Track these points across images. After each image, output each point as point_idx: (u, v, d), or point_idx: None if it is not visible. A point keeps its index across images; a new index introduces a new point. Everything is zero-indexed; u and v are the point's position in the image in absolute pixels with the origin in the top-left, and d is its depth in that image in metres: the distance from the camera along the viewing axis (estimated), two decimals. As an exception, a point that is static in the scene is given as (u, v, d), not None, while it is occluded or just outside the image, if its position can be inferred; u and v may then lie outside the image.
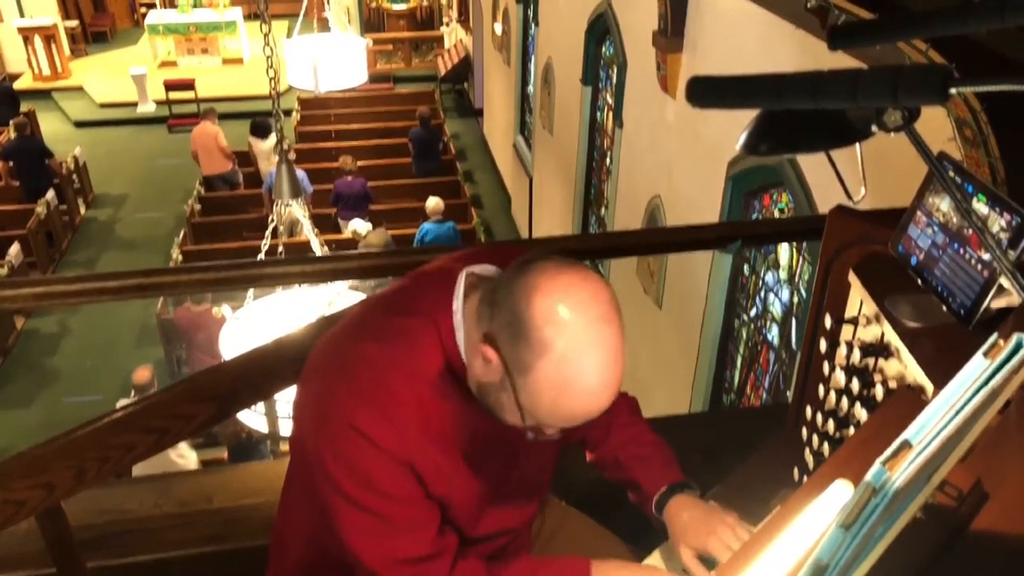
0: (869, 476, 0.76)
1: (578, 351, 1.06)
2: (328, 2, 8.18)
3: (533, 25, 9.88)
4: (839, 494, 1.03)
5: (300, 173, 6.33)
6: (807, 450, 1.53)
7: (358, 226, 8.95)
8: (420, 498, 1.24)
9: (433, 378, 1.21)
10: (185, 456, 5.54)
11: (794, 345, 4.50)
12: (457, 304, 1.22)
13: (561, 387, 1.08)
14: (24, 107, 12.91)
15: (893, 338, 1.30)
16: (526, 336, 1.08)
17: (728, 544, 1.34)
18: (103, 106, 14.58)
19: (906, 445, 0.78)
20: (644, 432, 1.56)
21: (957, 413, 0.83)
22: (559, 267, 1.10)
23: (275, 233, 4.36)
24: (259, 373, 1.71)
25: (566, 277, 1.09)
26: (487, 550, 1.42)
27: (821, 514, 1.04)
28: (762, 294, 4.90)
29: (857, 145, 0.94)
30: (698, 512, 1.40)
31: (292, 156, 7.20)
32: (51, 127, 13.30)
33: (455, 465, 1.27)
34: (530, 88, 10.55)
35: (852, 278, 1.42)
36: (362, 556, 1.25)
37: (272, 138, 9.69)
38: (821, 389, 1.48)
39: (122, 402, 6.14)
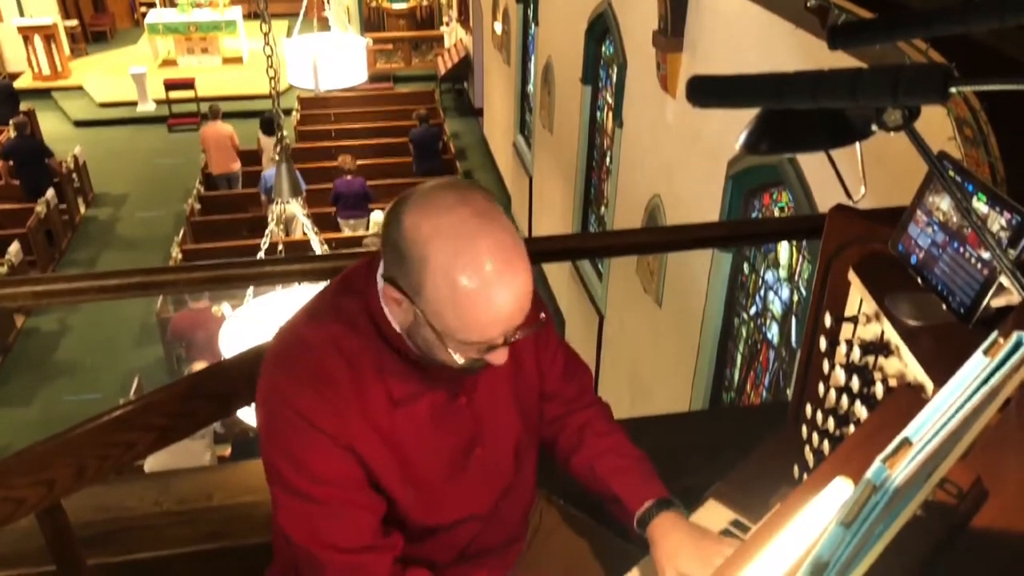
0: (869, 474, 0.76)
1: (456, 251, 1.06)
2: (328, 1, 8.18)
3: (533, 24, 9.88)
4: (839, 492, 1.03)
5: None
6: (807, 448, 1.53)
7: (378, 218, 8.93)
8: (359, 483, 1.23)
9: (370, 353, 1.21)
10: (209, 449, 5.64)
11: (794, 343, 4.51)
12: (379, 273, 1.22)
13: (455, 293, 1.07)
14: (24, 106, 12.90)
15: (893, 336, 1.30)
16: (407, 256, 1.08)
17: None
18: (103, 105, 14.58)
19: (906, 443, 0.79)
20: (622, 442, 1.49)
21: (957, 411, 0.83)
22: (425, 186, 1.12)
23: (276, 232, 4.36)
24: (258, 371, 1.71)
25: (430, 192, 1.11)
26: (455, 540, 1.39)
27: (821, 512, 1.04)
28: (762, 292, 4.91)
29: (857, 144, 0.94)
30: (686, 535, 1.35)
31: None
32: (51, 126, 13.30)
33: (407, 443, 1.25)
34: (530, 87, 10.55)
35: (852, 277, 1.42)
36: (298, 541, 1.24)
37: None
38: (821, 387, 1.48)
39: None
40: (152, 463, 4.99)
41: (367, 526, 1.24)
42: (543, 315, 1.19)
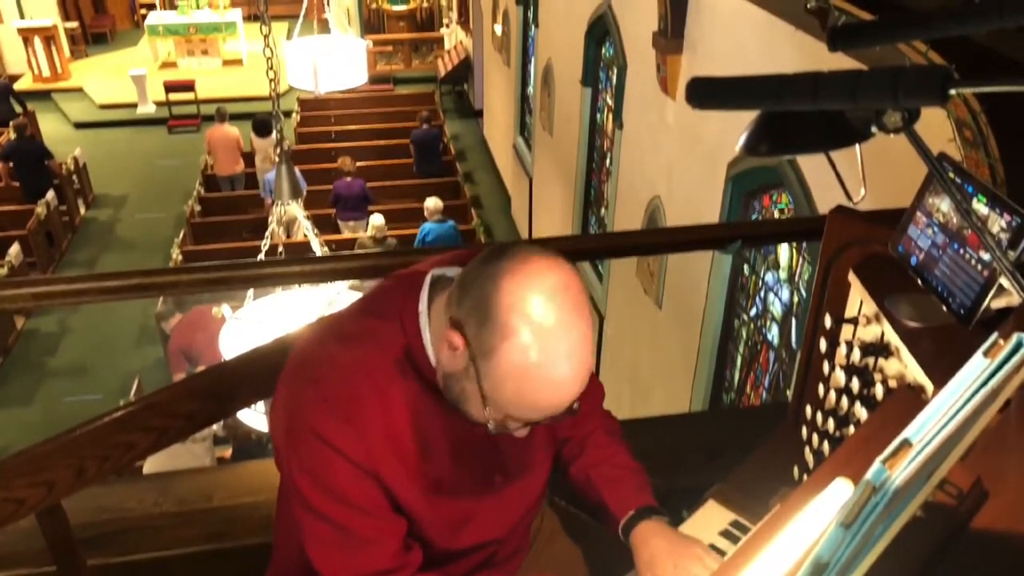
0: (869, 475, 0.76)
1: (544, 337, 1.04)
2: (328, 3, 8.18)
3: (533, 26, 9.88)
4: (839, 493, 1.03)
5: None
6: (807, 449, 1.53)
7: (377, 221, 8.90)
8: (385, 510, 1.22)
9: (400, 379, 1.19)
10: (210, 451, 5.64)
11: (794, 344, 4.51)
12: (423, 304, 1.20)
13: (524, 374, 1.05)
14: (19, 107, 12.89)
15: (893, 337, 1.30)
16: (492, 319, 1.05)
17: None
18: (103, 107, 14.57)
19: (906, 444, 0.79)
20: (619, 454, 1.48)
21: (957, 412, 0.83)
22: (530, 253, 1.09)
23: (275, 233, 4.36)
24: (259, 373, 1.71)
25: (537, 263, 1.07)
26: (473, 562, 1.38)
27: (821, 512, 1.04)
28: (762, 294, 4.91)
29: (857, 146, 0.94)
30: (665, 541, 1.33)
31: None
32: (51, 128, 13.30)
33: (429, 470, 1.24)
34: (530, 89, 10.55)
35: (852, 278, 1.42)
36: (320, 567, 1.23)
37: (272, 137, 9.68)
38: (821, 388, 1.48)
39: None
40: (151, 465, 4.98)
41: (388, 550, 1.23)
42: (575, 405, 1.15)
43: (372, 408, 1.18)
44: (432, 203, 8.90)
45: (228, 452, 6.53)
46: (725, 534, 1.47)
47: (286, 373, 1.24)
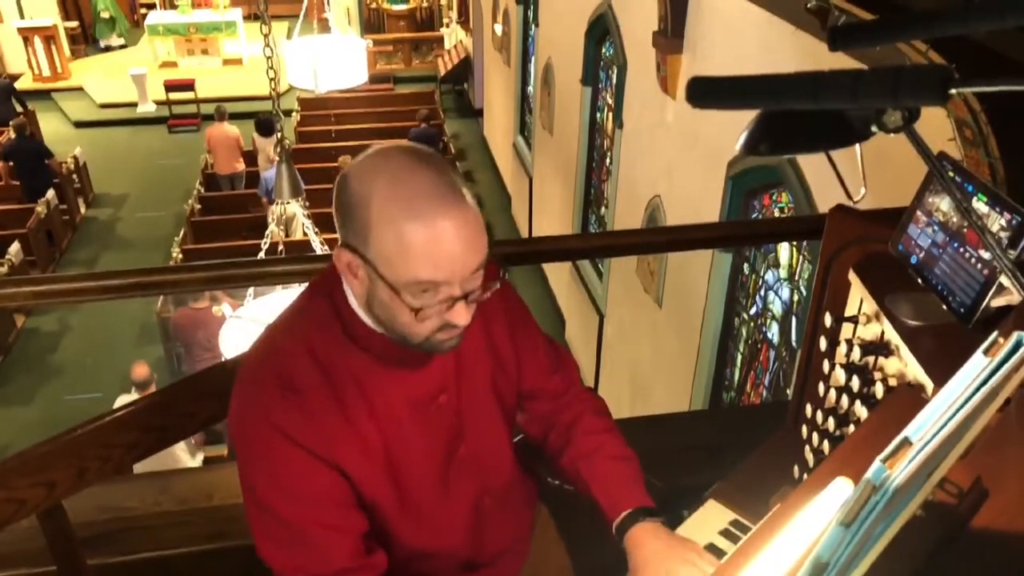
0: (869, 474, 0.76)
1: (395, 184, 1.08)
2: (328, 3, 8.17)
3: (533, 26, 9.88)
4: (839, 492, 1.03)
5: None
6: (807, 448, 1.53)
7: None
8: (338, 501, 1.21)
9: (343, 356, 1.20)
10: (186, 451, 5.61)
11: (794, 343, 4.51)
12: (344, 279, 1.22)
13: (397, 223, 1.08)
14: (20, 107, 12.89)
15: (893, 336, 1.30)
16: (353, 206, 1.11)
17: None
18: (103, 106, 14.57)
19: (906, 443, 0.79)
20: (608, 443, 1.43)
21: (957, 411, 0.83)
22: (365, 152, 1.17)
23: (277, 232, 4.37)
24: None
25: (370, 151, 1.15)
26: (452, 546, 1.37)
27: (821, 512, 1.04)
28: (762, 292, 4.91)
29: (857, 145, 0.94)
30: (660, 545, 1.30)
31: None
32: (51, 127, 13.29)
33: (389, 447, 1.23)
34: (530, 88, 10.55)
35: (852, 277, 1.43)
36: (273, 565, 1.22)
37: (274, 136, 9.70)
38: (821, 387, 1.48)
39: (122, 398, 6.13)
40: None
41: (344, 549, 1.21)
42: (504, 274, 1.22)
43: (320, 391, 1.18)
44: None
45: (224, 451, 6.54)
46: (725, 533, 1.47)
47: (239, 372, 1.24)
